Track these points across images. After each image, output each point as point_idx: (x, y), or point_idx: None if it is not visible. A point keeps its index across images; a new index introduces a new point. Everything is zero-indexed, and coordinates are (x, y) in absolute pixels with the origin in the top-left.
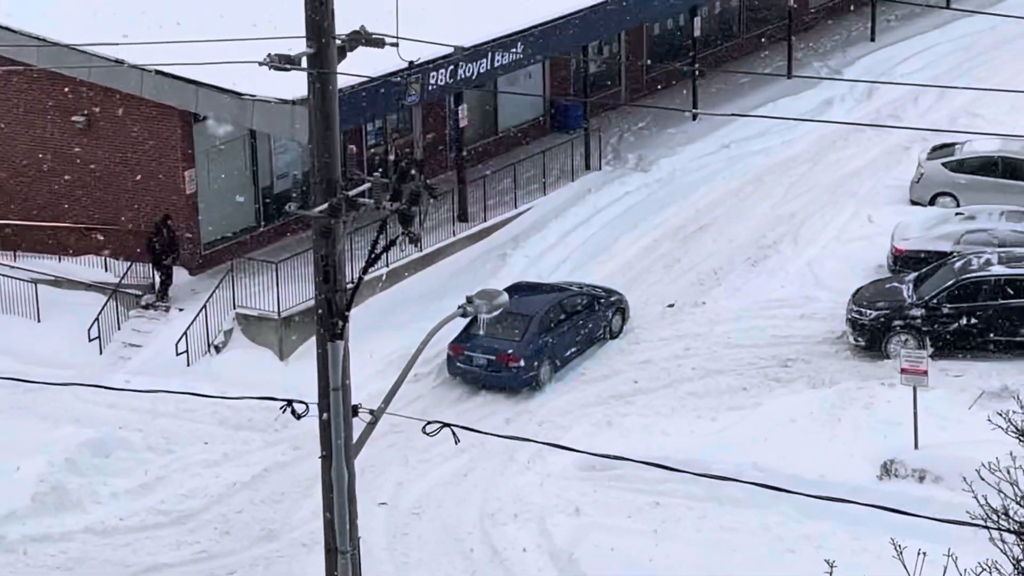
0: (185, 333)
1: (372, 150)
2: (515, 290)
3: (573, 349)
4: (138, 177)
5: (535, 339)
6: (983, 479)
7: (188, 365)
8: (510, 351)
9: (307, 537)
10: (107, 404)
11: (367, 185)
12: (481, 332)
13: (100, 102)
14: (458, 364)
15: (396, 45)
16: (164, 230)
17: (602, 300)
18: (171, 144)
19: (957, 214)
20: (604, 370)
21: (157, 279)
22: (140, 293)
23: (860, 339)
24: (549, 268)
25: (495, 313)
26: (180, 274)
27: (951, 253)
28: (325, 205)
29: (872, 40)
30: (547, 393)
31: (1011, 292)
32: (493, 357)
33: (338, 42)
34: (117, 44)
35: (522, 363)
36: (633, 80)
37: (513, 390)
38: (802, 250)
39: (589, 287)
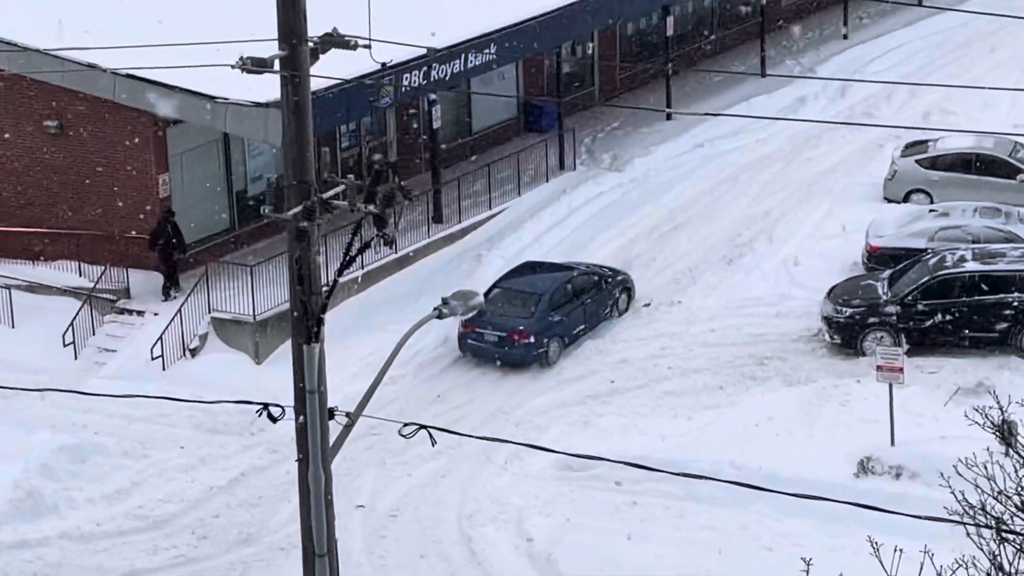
0: (160, 337)
1: (346, 152)
2: (524, 269)
3: (581, 327)
4: (111, 181)
5: (545, 317)
6: (960, 475)
7: (163, 369)
8: (520, 328)
9: (284, 541)
10: (82, 409)
11: (341, 187)
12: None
13: (73, 107)
14: (469, 341)
15: (369, 47)
16: (168, 225)
17: (609, 279)
18: (144, 148)
19: (931, 211)
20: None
21: (164, 273)
22: (115, 298)
23: (836, 336)
24: None
25: (471, 314)
26: (154, 278)
27: (925, 250)
28: (299, 208)
29: (845, 38)
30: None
31: (985, 288)
32: (504, 334)
33: (311, 44)
34: (89, 48)
35: (532, 339)
36: (607, 80)
37: (522, 367)
38: (777, 248)
39: (596, 266)
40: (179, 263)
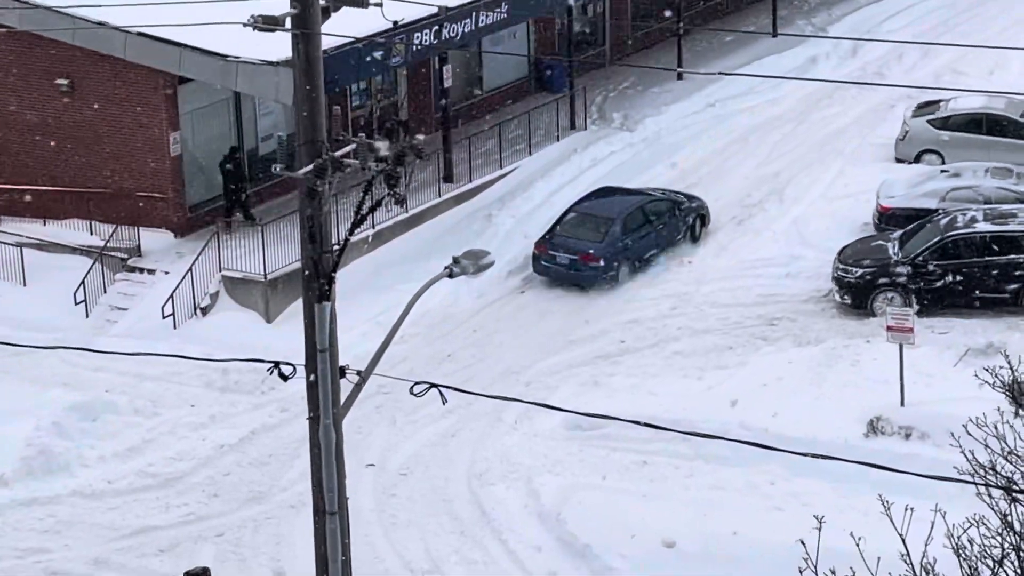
0: (171, 296)
1: (357, 111)
2: (600, 193)
3: (653, 251)
4: (122, 140)
5: (616, 241)
6: (970, 435)
7: (174, 328)
8: (591, 251)
9: (295, 499)
10: (94, 368)
11: (352, 146)
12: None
13: (84, 65)
14: (542, 263)
15: (380, 5)
16: (233, 162)
17: (683, 206)
18: (155, 107)
19: (942, 171)
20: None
21: (238, 207)
22: (126, 256)
23: (846, 297)
24: (536, 229)
25: (482, 273)
26: (165, 237)
27: (936, 210)
28: (311, 167)
29: None
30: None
31: (996, 249)
32: (576, 256)
33: (322, 2)
34: (100, 6)
35: (602, 263)
36: (618, 39)
37: (592, 289)
38: (787, 209)
39: (672, 192)
40: (249, 198)
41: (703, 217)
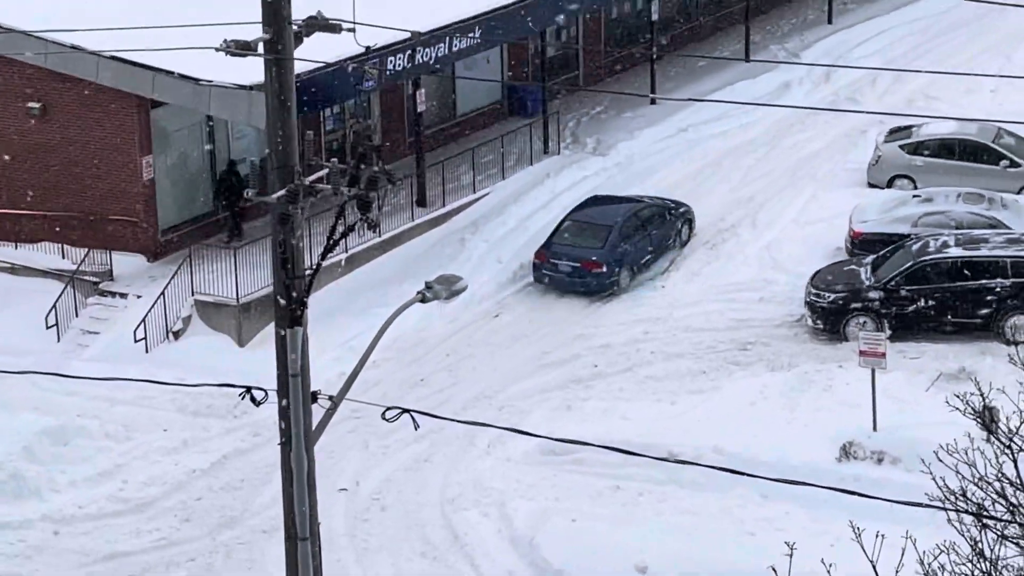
0: (143, 320)
1: (330, 135)
2: (592, 202)
3: (648, 256)
4: (95, 163)
5: (616, 246)
6: (941, 461)
7: (146, 352)
8: (594, 258)
9: (267, 523)
10: (65, 392)
11: (325, 171)
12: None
13: (56, 88)
14: (544, 271)
15: (353, 30)
16: (231, 176)
17: (672, 211)
18: (128, 130)
19: (914, 196)
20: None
21: (230, 222)
22: (98, 280)
23: (819, 322)
24: (510, 253)
25: (454, 298)
26: (138, 261)
27: (909, 235)
28: (283, 191)
29: (829, 23)
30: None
31: (968, 274)
32: (578, 264)
33: (295, 27)
34: (74, 30)
35: (604, 269)
36: (591, 64)
37: (595, 295)
38: (760, 233)
39: (659, 199)
40: (243, 211)
41: (690, 222)
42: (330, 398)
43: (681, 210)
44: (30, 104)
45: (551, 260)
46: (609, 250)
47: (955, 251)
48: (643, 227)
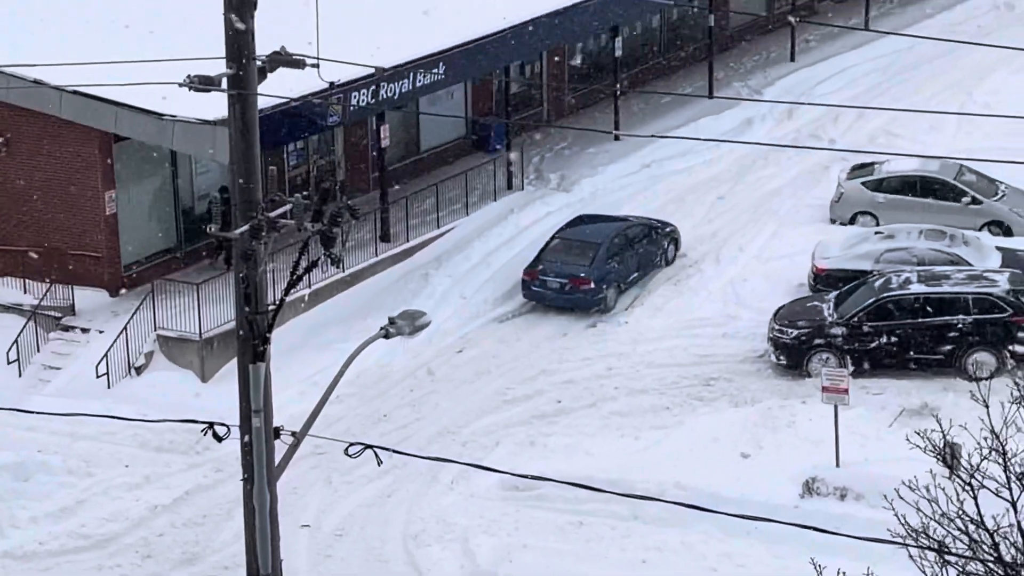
0: (105, 355)
1: (294, 171)
2: (580, 221)
3: (635, 274)
4: (57, 198)
5: (603, 264)
6: (903, 498)
7: (109, 387)
8: (582, 274)
9: (229, 560)
10: (26, 427)
11: (288, 206)
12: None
13: (18, 123)
14: (533, 288)
15: (317, 66)
16: (226, 204)
17: (658, 230)
18: (91, 165)
19: (877, 233)
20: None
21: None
22: (59, 315)
23: (782, 358)
24: (472, 288)
25: (418, 333)
26: (100, 296)
27: (871, 272)
28: (246, 227)
29: (792, 60)
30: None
31: (930, 310)
32: (566, 280)
33: (259, 63)
34: (36, 65)
35: (592, 286)
36: (555, 100)
37: (583, 311)
38: (724, 269)
39: (645, 218)
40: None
41: (676, 241)
42: (293, 434)
43: (667, 229)
44: None
45: (540, 277)
46: (597, 267)
47: (917, 287)
48: (630, 245)
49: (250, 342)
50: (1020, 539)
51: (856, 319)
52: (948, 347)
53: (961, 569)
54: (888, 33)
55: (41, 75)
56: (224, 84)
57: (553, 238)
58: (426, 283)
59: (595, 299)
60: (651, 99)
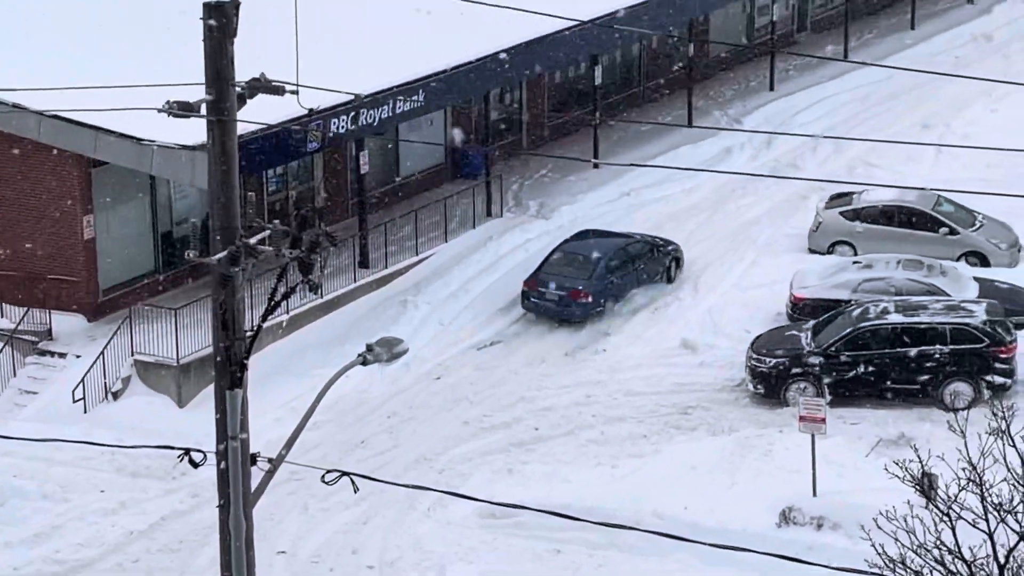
0: (82, 380)
1: (273, 196)
2: (583, 235)
3: (634, 289)
4: (36, 222)
5: (603, 278)
6: (880, 528)
7: (85, 412)
8: (580, 287)
9: None
10: (2, 452)
11: (267, 232)
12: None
13: None
14: (532, 299)
15: (296, 92)
16: None
17: (660, 248)
18: (69, 189)
19: (855, 263)
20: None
21: None
22: (36, 340)
23: (759, 386)
24: (451, 315)
25: (395, 360)
26: (77, 320)
27: (849, 301)
28: (224, 253)
29: (771, 90)
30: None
31: (907, 340)
32: (565, 292)
33: (238, 89)
34: (15, 90)
35: (590, 299)
36: (534, 128)
37: (579, 323)
38: (702, 297)
39: (649, 236)
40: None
41: (678, 260)
42: (269, 460)
43: (670, 248)
44: None
45: (539, 288)
46: (596, 281)
47: (895, 317)
48: (631, 261)
49: (227, 368)
50: (997, 570)
51: (834, 348)
52: (925, 377)
53: None
54: (866, 64)
55: (20, 99)
56: (203, 110)
57: (554, 251)
58: (404, 310)
59: (593, 312)
60: (631, 127)
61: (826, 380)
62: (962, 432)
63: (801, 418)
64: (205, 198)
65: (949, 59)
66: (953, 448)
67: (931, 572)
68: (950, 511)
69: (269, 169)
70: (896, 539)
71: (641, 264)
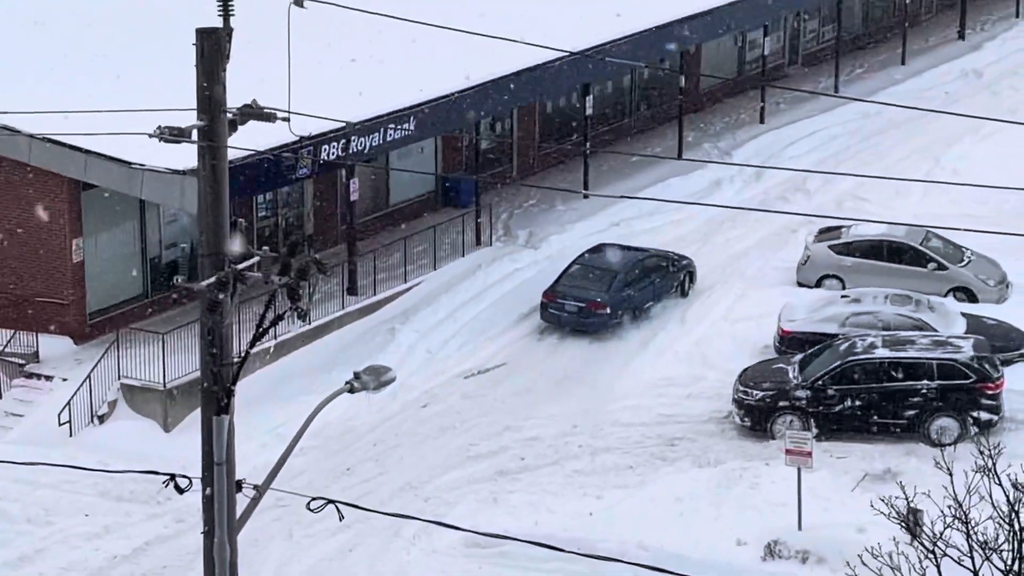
0: (68, 403)
1: (263, 222)
2: (600, 249)
3: (650, 303)
4: (24, 244)
5: (620, 291)
6: (865, 564)
7: (71, 435)
8: (599, 299)
9: None
10: None
11: (256, 259)
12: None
13: None
14: (551, 311)
15: (288, 119)
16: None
17: (675, 262)
18: (59, 212)
19: (843, 297)
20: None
21: None
22: (23, 362)
23: (746, 419)
24: (439, 343)
25: (383, 389)
26: (65, 343)
27: (837, 335)
28: (213, 279)
29: (762, 122)
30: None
31: (895, 375)
32: (583, 304)
33: (229, 115)
34: (5, 113)
35: (608, 311)
36: (525, 157)
37: (598, 335)
38: (690, 329)
39: (663, 251)
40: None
41: (691, 274)
42: (255, 487)
43: (684, 263)
44: None
45: (558, 300)
46: (614, 293)
47: (882, 352)
48: (647, 275)
49: (214, 394)
50: None
51: (821, 382)
52: (912, 412)
53: None
54: (856, 99)
55: (9, 121)
56: (195, 136)
57: (573, 263)
58: (392, 337)
59: (610, 324)
60: (621, 157)
61: (813, 413)
62: (948, 469)
63: (787, 451)
64: (195, 223)
65: (939, 95)
66: (939, 484)
67: None
68: (935, 548)
69: (259, 195)
70: (881, 575)
71: (657, 278)
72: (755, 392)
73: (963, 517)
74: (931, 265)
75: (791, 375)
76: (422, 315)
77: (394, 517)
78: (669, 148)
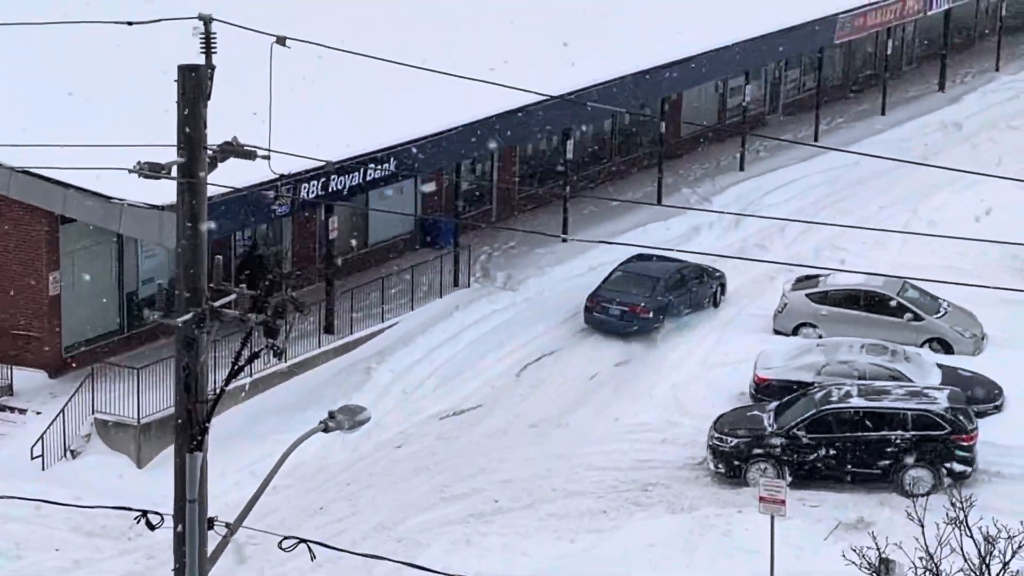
0: (41, 437)
1: (240, 260)
2: (638, 259)
3: (688, 310)
4: (1, 277)
5: (662, 296)
6: None
7: (43, 469)
8: (642, 304)
9: None
10: None
11: (233, 296)
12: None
13: None
14: (595, 315)
15: (268, 158)
16: (256, 258)
17: (710, 274)
18: (36, 245)
19: (819, 345)
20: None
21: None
22: None
23: (720, 466)
24: (414, 383)
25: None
26: (39, 377)
27: (812, 384)
28: (189, 315)
29: (741, 170)
30: None
31: (869, 424)
32: (627, 308)
33: (209, 152)
34: None
35: (651, 315)
36: (504, 199)
37: (638, 337)
38: (666, 375)
39: (699, 264)
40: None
41: (723, 286)
42: (227, 525)
43: (716, 275)
44: None
45: (602, 304)
46: (656, 298)
47: (857, 401)
48: (684, 283)
49: (188, 431)
50: None
51: (795, 430)
52: (886, 462)
53: None
54: (836, 149)
55: None
56: (174, 172)
57: (615, 271)
58: (368, 377)
59: (652, 327)
60: (600, 201)
61: (787, 461)
62: (920, 521)
63: (761, 499)
64: (172, 258)
65: (918, 146)
66: (911, 536)
67: None
68: None
69: (238, 232)
70: None
71: (693, 287)
72: (730, 439)
73: (934, 569)
74: (907, 316)
75: (766, 423)
76: (398, 355)
77: (366, 557)
78: (649, 194)
